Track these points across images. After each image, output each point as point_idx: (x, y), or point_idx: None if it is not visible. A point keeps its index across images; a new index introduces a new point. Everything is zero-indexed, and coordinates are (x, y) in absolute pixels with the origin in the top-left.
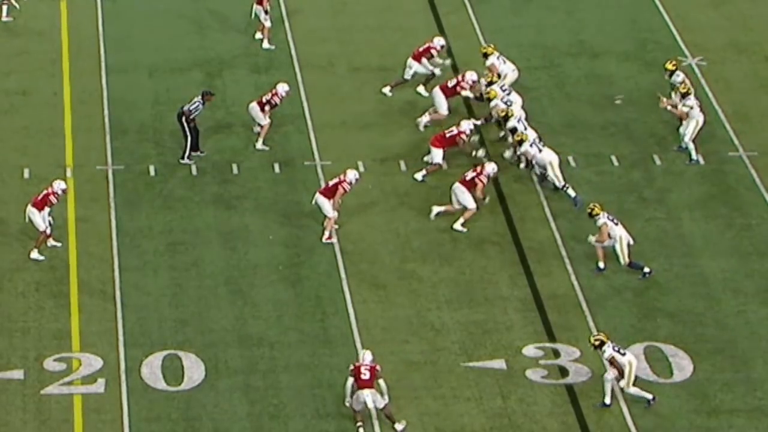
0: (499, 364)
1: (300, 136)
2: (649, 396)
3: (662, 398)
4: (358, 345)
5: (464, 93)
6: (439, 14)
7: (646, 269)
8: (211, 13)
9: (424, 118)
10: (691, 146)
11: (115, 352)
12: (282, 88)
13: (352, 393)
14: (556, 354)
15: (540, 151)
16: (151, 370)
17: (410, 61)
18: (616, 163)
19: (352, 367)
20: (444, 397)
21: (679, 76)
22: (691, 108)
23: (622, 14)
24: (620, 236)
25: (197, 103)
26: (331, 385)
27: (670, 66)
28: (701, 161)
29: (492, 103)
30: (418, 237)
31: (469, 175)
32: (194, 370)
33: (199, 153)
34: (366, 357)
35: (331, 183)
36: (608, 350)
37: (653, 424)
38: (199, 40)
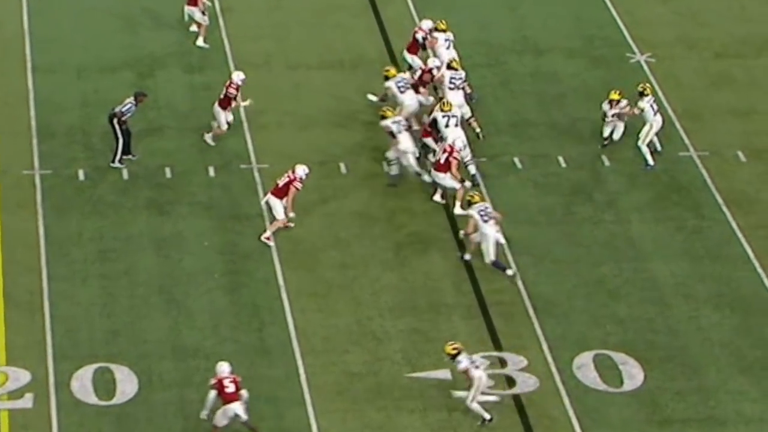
0: (444, 374)
1: (235, 137)
2: (488, 416)
3: (613, 408)
4: (298, 355)
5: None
6: (379, 9)
7: (510, 272)
8: (142, 10)
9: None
10: (644, 150)
11: (44, 366)
12: (237, 76)
13: (214, 407)
14: (503, 363)
15: (399, 132)
16: (82, 383)
17: (405, 54)
18: (563, 164)
19: (213, 380)
20: (386, 408)
21: (623, 102)
22: (642, 110)
23: (568, 10)
24: (487, 234)
25: (129, 105)
26: (269, 399)
27: (615, 96)
28: (654, 167)
29: (386, 83)
30: (359, 242)
31: (443, 157)
32: (127, 383)
33: (130, 156)
34: (224, 369)
35: (281, 183)
36: (464, 362)
37: None
38: (130, 38)
